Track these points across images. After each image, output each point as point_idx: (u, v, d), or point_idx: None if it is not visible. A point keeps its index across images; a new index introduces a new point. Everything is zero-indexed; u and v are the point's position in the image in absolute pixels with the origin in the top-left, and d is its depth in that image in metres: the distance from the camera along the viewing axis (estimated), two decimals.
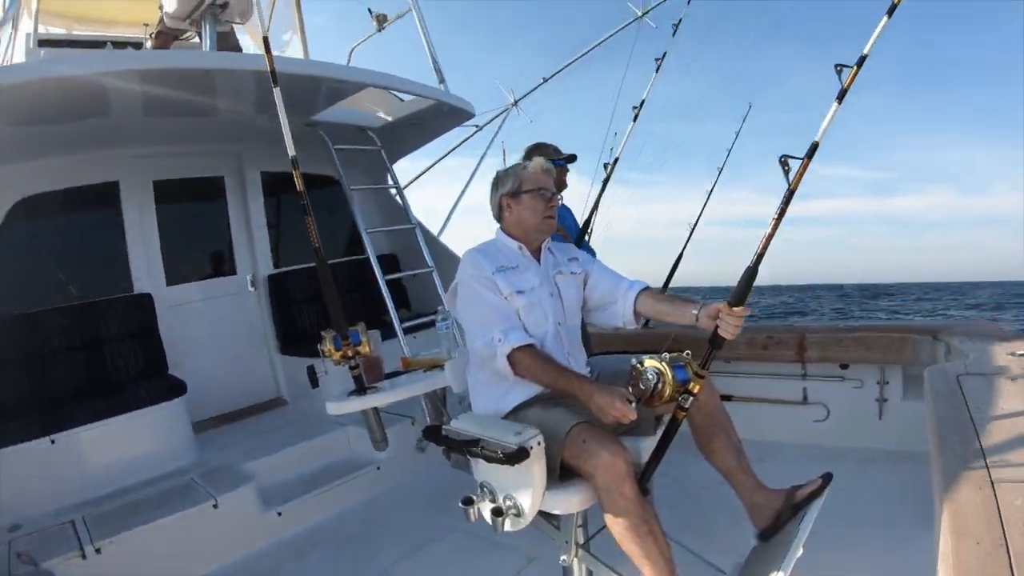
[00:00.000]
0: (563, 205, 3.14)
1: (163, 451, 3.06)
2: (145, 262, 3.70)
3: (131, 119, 3.24)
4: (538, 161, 2.01)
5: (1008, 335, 2.58)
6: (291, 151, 2.36)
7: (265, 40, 2.36)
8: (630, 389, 1.58)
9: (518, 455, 1.49)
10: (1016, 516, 1.32)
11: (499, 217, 2.03)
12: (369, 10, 4.33)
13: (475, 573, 2.42)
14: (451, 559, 2.55)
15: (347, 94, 3.57)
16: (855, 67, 1.58)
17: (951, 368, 2.29)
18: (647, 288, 1.98)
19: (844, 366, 3.01)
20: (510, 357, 1.75)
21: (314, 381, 2.17)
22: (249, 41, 4.26)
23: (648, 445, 1.75)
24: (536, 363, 1.75)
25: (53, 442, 2.77)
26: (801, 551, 1.55)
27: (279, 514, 2.83)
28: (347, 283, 4.31)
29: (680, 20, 3.72)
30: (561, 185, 3.03)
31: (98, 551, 2.33)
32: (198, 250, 4.16)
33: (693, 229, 4.23)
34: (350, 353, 1.99)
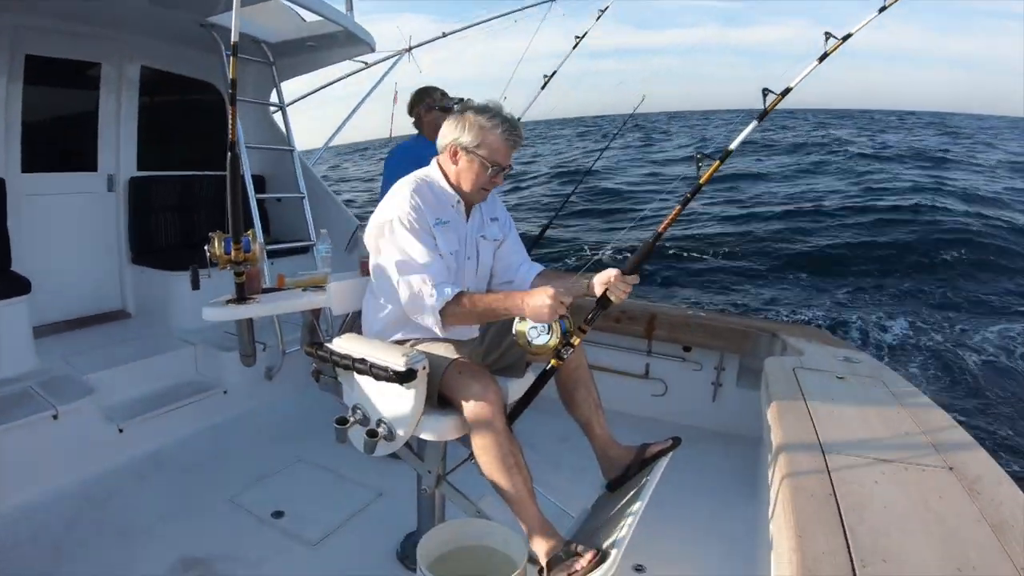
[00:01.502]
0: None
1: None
2: (3, 143, 3.23)
3: None
4: (503, 133, 1.82)
5: (838, 343, 2.91)
6: (235, 37, 2.21)
7: None
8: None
9: (407, 375, 1.55)
10: (843, 477, 1.56)
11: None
12: None
13: (324, 505, 2.43)
14: (299, 490, 2.54)
15: (251, 1, 3.33)
16: (779, 95, 1.78)
17: (787, 361, 2.55)
18: (543, 271, 2.06)
19: (687, 348, 3.21)
20: (442, 311, 1.72)
21: (195, 283, 2.04)
22: None
23: (517, 387, 1.87)
24: (467, 309, 1.71)
25: None
26: (646, 500, 1.71)
27: (120, 431, 2.66)
28: (213, 197, 4.12)
29: (607, 7, 3.90)
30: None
31: None
32: (61, 139, 3.69)
33: (557, 213, 4.45)
34: (241, 259, 1.90)
